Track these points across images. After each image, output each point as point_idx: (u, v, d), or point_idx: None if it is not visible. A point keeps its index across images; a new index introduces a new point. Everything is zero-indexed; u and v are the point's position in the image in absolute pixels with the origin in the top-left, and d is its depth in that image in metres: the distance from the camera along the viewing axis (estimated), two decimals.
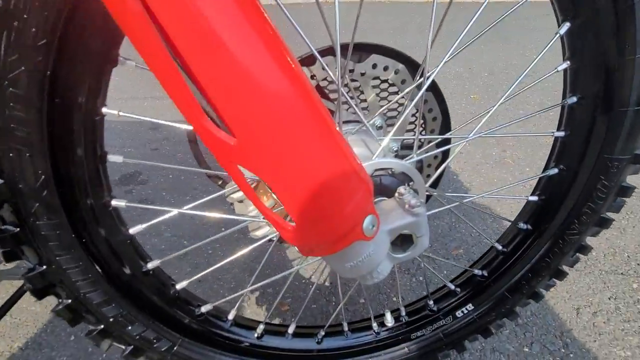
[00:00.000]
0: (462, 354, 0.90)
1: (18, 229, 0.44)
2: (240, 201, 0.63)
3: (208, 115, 0.31)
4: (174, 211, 0.56)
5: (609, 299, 1.06)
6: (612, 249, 1.24)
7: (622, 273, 1.15)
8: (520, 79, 0.57)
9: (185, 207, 0.56)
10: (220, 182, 0.74)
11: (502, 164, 1.42)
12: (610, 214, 0.62)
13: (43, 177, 0.44)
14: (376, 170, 0.51)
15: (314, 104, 0.33)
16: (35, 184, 0.44)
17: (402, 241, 0.47)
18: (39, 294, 0.49)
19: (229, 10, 0.28)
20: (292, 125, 0.33)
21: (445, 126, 0.66)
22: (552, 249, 0.67)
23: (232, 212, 0.65)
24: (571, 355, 0.92)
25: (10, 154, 0.41)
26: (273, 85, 0.30)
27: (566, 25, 0.52)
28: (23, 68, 0.38)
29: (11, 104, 0.39)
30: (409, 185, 0.52)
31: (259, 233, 0.66)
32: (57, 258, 0.48)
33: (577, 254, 0.67)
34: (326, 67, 0.50)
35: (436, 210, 0.67)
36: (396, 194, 0.48)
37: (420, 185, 0.52)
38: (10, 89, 0.38)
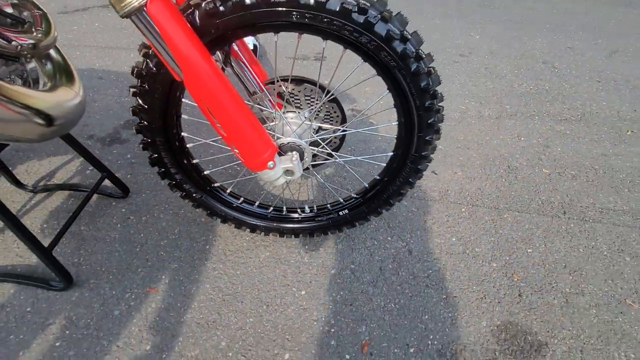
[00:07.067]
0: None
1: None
2: None
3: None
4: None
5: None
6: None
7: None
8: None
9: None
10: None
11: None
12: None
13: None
14: (289, 142, 1.18)
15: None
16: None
17: (288, 172, 1.16)
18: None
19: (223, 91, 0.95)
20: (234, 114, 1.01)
21: (343, 120, 1.28)
22: (391, 190, 1.33)
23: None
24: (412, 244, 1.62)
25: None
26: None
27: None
28: None
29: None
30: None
31: None
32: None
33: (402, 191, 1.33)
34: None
35: (321, 162, 1.35)
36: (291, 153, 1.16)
37: (307, 151, 1.19)
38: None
